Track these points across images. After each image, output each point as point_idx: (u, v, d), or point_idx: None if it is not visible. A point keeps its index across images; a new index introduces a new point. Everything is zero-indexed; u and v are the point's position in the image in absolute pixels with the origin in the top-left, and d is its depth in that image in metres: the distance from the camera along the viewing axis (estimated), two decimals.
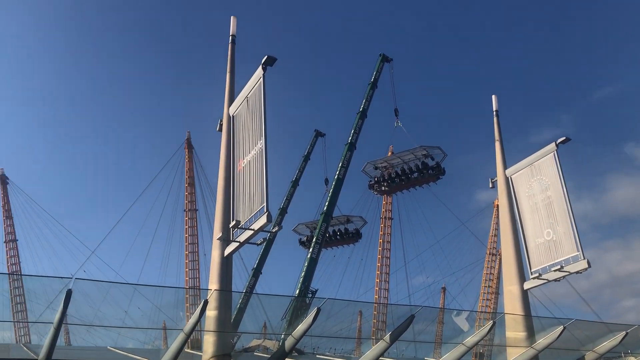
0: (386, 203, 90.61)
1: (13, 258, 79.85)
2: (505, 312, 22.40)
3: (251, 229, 15.41)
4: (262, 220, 15.11)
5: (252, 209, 15.76)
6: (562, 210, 21.07)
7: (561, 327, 19.17)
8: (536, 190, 22.41)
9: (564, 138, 21.73)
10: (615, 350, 23.15)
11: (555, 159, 21.71)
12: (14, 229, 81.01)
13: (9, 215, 79.99)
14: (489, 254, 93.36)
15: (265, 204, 15.17)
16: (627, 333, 20.83)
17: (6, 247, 79.91)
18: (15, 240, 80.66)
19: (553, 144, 21.92)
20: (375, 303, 79.74)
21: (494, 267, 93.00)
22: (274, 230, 16.37)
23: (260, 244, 16.17)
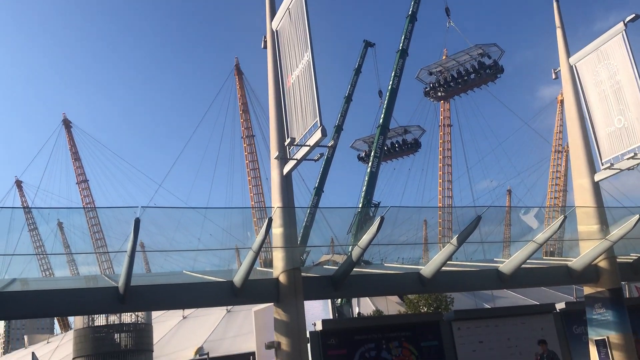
0: (444, 110, 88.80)
1: (87, 198, 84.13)
2: (576, 205, 21.72)
3: (307, 145, 15.23)
4: (317, 135, 14.86)
5: (306, 125, 15.51)
6: (633, 94, 19.69)
7: (637, 216, 18.42)
8: (604, 77, 20.98)
9: (634, 15, 19.90)
10: None
11: (624, 40, 20.06)
12: (83, 170, 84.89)
13: (77, 157, 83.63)
14: (555, 151, 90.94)
15: (318, 118, 14.87)
16: None
17: (79, 188, 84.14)
18: (86, 181, 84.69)
19: (621, 24, 20.23)
20: (440, 207, 79.89)
21: (561, 165, 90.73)
22: (330, 145, 16.12)
23: (318, 159, 16.02)
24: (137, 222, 12.54)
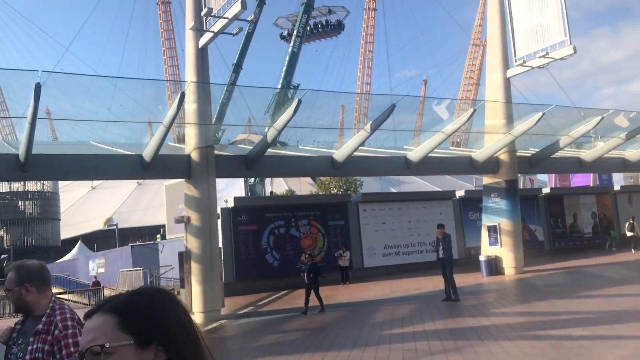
0: None
1: None
2: (486, 99, 22.47)
3: (225, 17, 14.43)
4: (237, 7, 14.05)
5: None
6: None
7: (540, 114, 19.36)
8: None
9: None
10: (588, 135, 23.87)
11: None
12: None
13: None
14: (472, 44, 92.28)
15: None
16: (602, 118, 21.22)
17: None
18: None
19: None
20: (357, 93, 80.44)
21: (477, 59, 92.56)
22: (250, 19, 15.36)
23: (237, 33, 15.30)
24: (38, 87, 11.67)
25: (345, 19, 67.65)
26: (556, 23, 19.80)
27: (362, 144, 19.36)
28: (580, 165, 25.48)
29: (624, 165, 26.98)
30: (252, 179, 41.51)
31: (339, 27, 66.26)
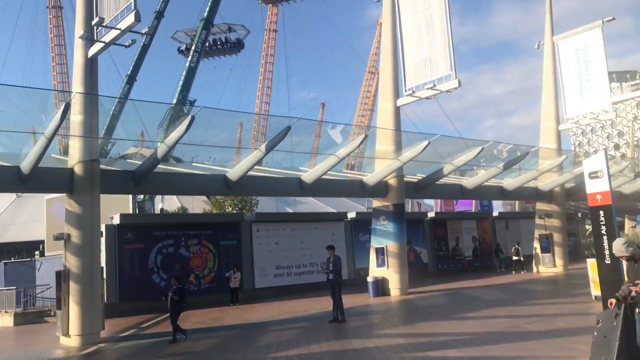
0: (272, 14, 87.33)
1: None
2: (378, 126, 23.30)
3: (117, 28, 13.95)
4: (130, 19, 13.63)
5: (119, 6, 14.15)
6: (442, 29, 21.14)
7: (426, 142, 20.36)
8: (420, 8, 22.12)
9: None
10: (470, 164, 25.38)
11: None
12: None
13: None
14: (369, 72, 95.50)
15: (133, 0, 13.66)
16: (482, 148, 22.68)
17: None
18: None
19: None
20: (256, 114, 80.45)
21: (372, 86, 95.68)
22: (144, 32, 14.94)
23: (129, 45, 14.82)
24: None
25: (246, 37, 67.80)
26: (443, 58, 20.99)
27: (257, 163, 19.33)
28: (462, 192, 26.98)
29: (502, 194, 28.89)
30: (141, 195, 40.04)
31: (238, 45, 66.29)
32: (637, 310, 6.37)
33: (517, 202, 53.46)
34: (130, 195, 36.27)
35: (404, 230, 22.75)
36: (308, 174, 20.86)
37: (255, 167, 20.32)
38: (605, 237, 10.09)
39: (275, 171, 22.89)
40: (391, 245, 22.28)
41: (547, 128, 29.64)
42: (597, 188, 10.27)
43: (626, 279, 6.58)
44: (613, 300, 6.43)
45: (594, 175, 10.29)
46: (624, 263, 6.62)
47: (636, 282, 6.30)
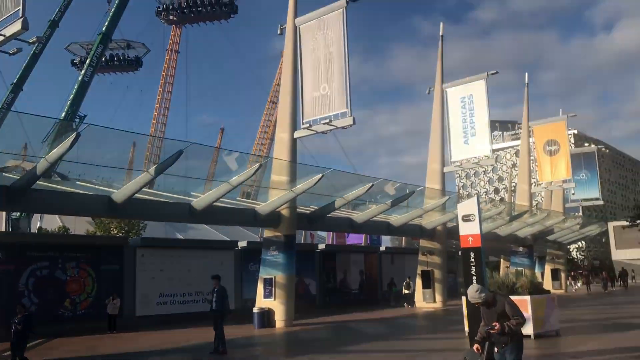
0: (174, 35, 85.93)
1: None
2: (274, 157, 23.44)
3: (1, 35, 13.15)
4: (16, 26, 12.95)
5: (5, 11, 13.38)
6: (340, 68, 21.85)
7: (319, 175, 20.74)
8: (321, 45, 22.76)
9: None
10: (362, 199, 26.14)
11: (343, 16, 22.02)
12: None
13: None
14: (270, 101, 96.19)
15: (21, 7, 12.97)
16: (372, 184, 23.46)
17: None
18: None
19: (344, 1, 22.07)
20: (150, 135, 78.18)
21: (273, 115, 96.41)
22: (32, 41, 14.20)
23: (14, 53, 14.01)
24: None
25: (145, 56, 66.17)
26: (340, 95, 21.65)
27: (147, 186, 18.73)
28: (351, 226, 27.62)
29: (389, 229, 29.92)
30: (17, 212, 37.35)
31: (137, 63, 64.53)
32: (495, 349, 6.83)
33: (404, 238, 55.49)
34: (4, 212, 33.72)
35: (294, 262, 22.84)
36: (199, 200, 20.48)
37: (146, 190, 19.68)
38: (474, 278, 10.73)
39: (166, 195, 22.25)
40: (280, 276, 22.26)
41: (433, 169, 31.23)
42: (469, 230, 10.97)
43: (483, 322, 7.00)
44: (478, 346, 6.82)
45: (466, 218, 10.99)
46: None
47: (493, 324, 6.73)
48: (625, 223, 64.34)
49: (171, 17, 62.80)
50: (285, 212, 22.82)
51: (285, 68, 24.18)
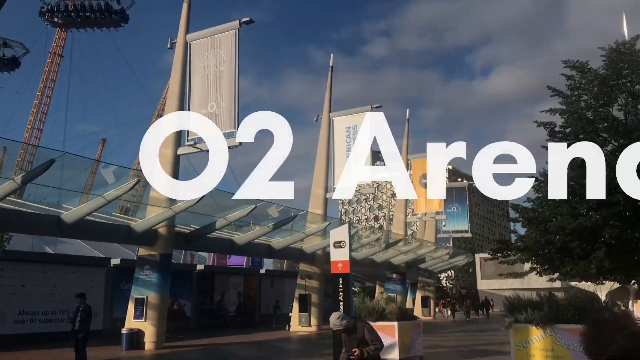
0: (59, 37, 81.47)
1: None
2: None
3: None
4: None
5: None
6: (229, 88, 21.82)
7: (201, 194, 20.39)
8: (211, 63, 22.62)
9: (248, 19, 22.08)
10: (246, 220, 26.07)
11: (236, 37, 22.09)
12: None
13: None
14: (157, 115, 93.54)
15: None
16: (255, 206, 23.46)
17: None
18: None
19: (237, 22, 22.20)
20: (23, 143, 73.02)
21: None
22: None
23: None
24: None
25: (23, 57, 62.05)
26: (228, 114, 21.60)
27: (10, 194, 17.43)
28: (232, 247, 27.37)
29: (270, 252, 29.97)
30: None
31: (13, 63, 60.34)
32: None
33: (285, 261, 55.78)
34: None
35: (168, 282, 22.19)
36: (69, 213, 19.39)
37: (12, 199, 18.36)
38: (341, 303, 11.05)
39: (34, 206, 20.82)
40: (152, 297, 21.50)
41: (316, 194, 31.85)
42: (339, 257, 11.31)
43: (344, 349, 7.22)
44: None
45: (338, 244, 11.33)
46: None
47: (353, 350, 6.96)
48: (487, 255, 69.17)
49: (56, 20, 59.45)
50: (162, 230, 22.17)
51: (173, 83, 23.74)
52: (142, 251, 22.63)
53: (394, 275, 41.66)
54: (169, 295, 24.51)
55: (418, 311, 41.52)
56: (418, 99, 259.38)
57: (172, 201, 21.51)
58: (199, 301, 32.39)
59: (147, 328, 21.10)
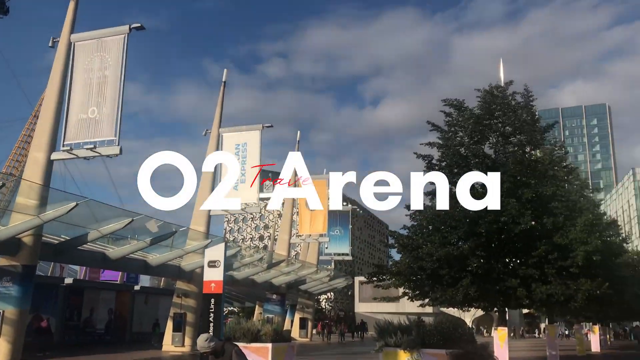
0: None
1: None
2: (23, 177, 21.18)
3: None
4: None
5: None
6: (113, 94, 20.86)
7: (74, 203, 19.27)
8: (95, 66, 21.54)
9: (139, 24, 21.27)
10: (124, 234, 24.93)
11: (124, 42, 21.24)
12: None
13: None
14: (35, 116, 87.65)
15: None
16: (132, 220, 22.50)
17: None
18: None
19: (127, 27, 21.37)
20: None
21: (34, 131, 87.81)
22: None
23: None
24: None
25: None
26: (109, 122, 20.63)
27: None
28: (104, 261, 25.92)
29: (145, 268, 28.75)
30: None
31: None
32: None
33: (163, 278, 53.89)
34: None
35: (30, 296, 20.54)
36: None
37: None
38: (212, 324, 10.79)
39: None
40: (10, 311, 19.75)
41: (199, 211, 31.04)
42: (213, 276, 11.07)
43: None
44: None
45: (212, 264, 11.10)
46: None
47: None
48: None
49: None
50: (27, 239, 20.54)
51: (52, 83, 22.29)
52: (2, 261, 20.79)
53: (274, 296, 41.51)
54: (30, 311, 22.69)
55: (296, 333, 41.63)
56: (310, 122, 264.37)
57: (42, 209, 20.11)
58: (64, 317, 30.30)
59: (2, 345, 19.33)
